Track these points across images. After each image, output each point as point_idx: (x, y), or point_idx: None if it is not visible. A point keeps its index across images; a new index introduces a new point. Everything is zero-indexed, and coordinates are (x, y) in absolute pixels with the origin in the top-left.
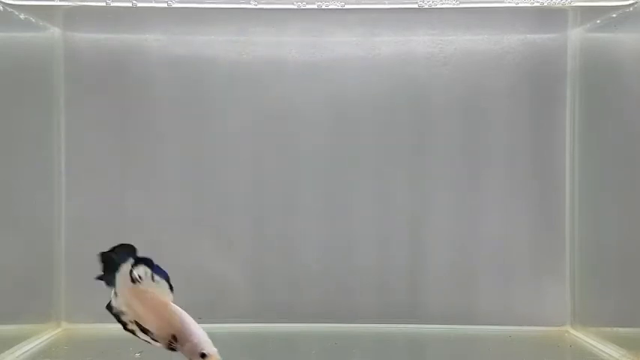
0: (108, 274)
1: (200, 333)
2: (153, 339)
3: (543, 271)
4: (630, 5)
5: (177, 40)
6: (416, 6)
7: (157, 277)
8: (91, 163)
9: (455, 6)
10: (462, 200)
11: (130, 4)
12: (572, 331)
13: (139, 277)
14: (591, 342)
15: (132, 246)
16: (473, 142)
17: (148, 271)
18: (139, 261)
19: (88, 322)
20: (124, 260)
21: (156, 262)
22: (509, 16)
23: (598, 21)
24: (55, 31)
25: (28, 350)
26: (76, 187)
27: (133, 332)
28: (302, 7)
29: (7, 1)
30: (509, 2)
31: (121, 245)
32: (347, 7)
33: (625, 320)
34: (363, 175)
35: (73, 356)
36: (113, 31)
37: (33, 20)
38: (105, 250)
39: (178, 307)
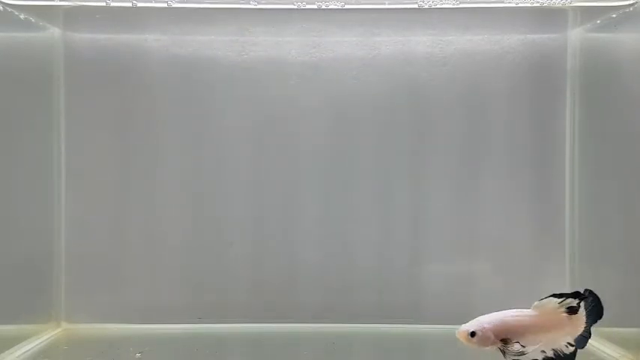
0: None
1: None
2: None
3: (543, 271)
4: (630, 5)
5: (177, 40)
6: (416, 6)
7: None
8: (91, 163)
9: (455, 6)
10: (462, 200)
11: (130, 4)
12: None
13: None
14: (591, 342)
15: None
16: (473, 142)
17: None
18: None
19: (88, 322)
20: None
21: (156, 261)
22: (509, 16)
23: (598, 21)
24: (55, 31)
25: (28, 350)
26: (76, 187)
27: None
28: (302, 7)
29: (7, 1)
30: (509, 2)
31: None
32: (347, 7)
33: (625, 320)
34: (363, 175)
35: (73, 356)
36: (113, 31)
37: (33, 20)
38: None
39: None
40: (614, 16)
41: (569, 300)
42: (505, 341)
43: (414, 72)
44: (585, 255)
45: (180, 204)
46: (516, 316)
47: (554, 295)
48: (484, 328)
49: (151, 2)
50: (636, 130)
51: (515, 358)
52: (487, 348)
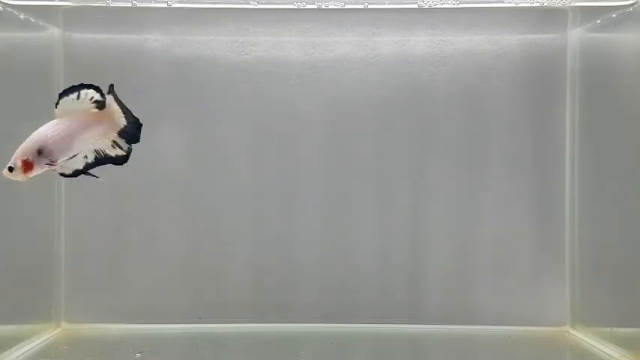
0: None
1: None
2: None
3: (543, 271)
4: (630, 5)
5: (178, 40)
6: (416, 6)
7: None
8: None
9: (455, 6)
10: (462, 200)
11: (129, 4)
12: (572, 331)
13: None
14: (591, 342)
15: None
16: (473, 142)
17: None
18: None
19: (87, 322)
20: None
21: (157, 261)
22: (509, 16)
23: (598, 21)
24: (55, 31)
25: (27, 350)
26: (76, 187)
27: None
28: (302, 7)
29: (7, 1)
30: (509, 2)
31: None
32: (347, 7)
33: (625, 320)
34: (363, 176)
35: (72, 356)
36: (113, 31)
37: (33, 20)
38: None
39: None
40: (614, 16)
41: (91, 93)
42: (49, 158)
43: (414, 72)
44: (586, 255)
45: (180, 203)
46: (41, 131)
47: (66, 93)
48: (16, 156)
49: (151, 2)
50: (636, 130)
51: (66, 171)
52: (36, 173)
